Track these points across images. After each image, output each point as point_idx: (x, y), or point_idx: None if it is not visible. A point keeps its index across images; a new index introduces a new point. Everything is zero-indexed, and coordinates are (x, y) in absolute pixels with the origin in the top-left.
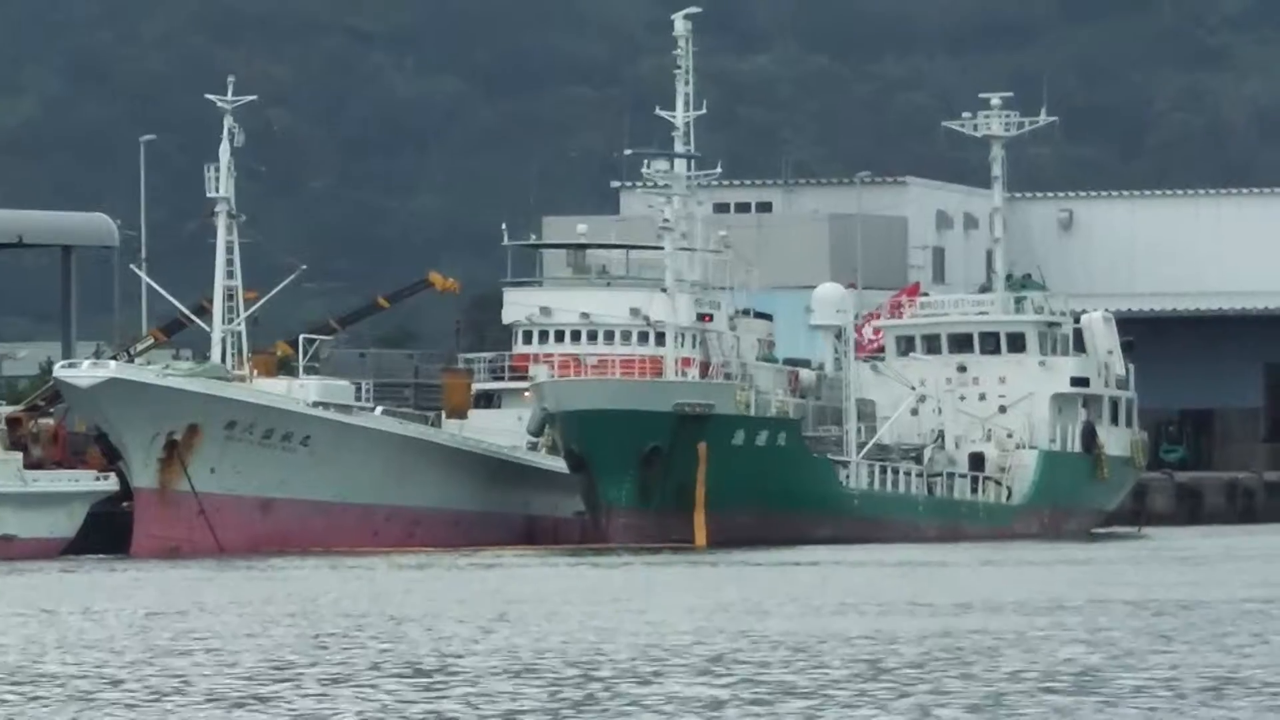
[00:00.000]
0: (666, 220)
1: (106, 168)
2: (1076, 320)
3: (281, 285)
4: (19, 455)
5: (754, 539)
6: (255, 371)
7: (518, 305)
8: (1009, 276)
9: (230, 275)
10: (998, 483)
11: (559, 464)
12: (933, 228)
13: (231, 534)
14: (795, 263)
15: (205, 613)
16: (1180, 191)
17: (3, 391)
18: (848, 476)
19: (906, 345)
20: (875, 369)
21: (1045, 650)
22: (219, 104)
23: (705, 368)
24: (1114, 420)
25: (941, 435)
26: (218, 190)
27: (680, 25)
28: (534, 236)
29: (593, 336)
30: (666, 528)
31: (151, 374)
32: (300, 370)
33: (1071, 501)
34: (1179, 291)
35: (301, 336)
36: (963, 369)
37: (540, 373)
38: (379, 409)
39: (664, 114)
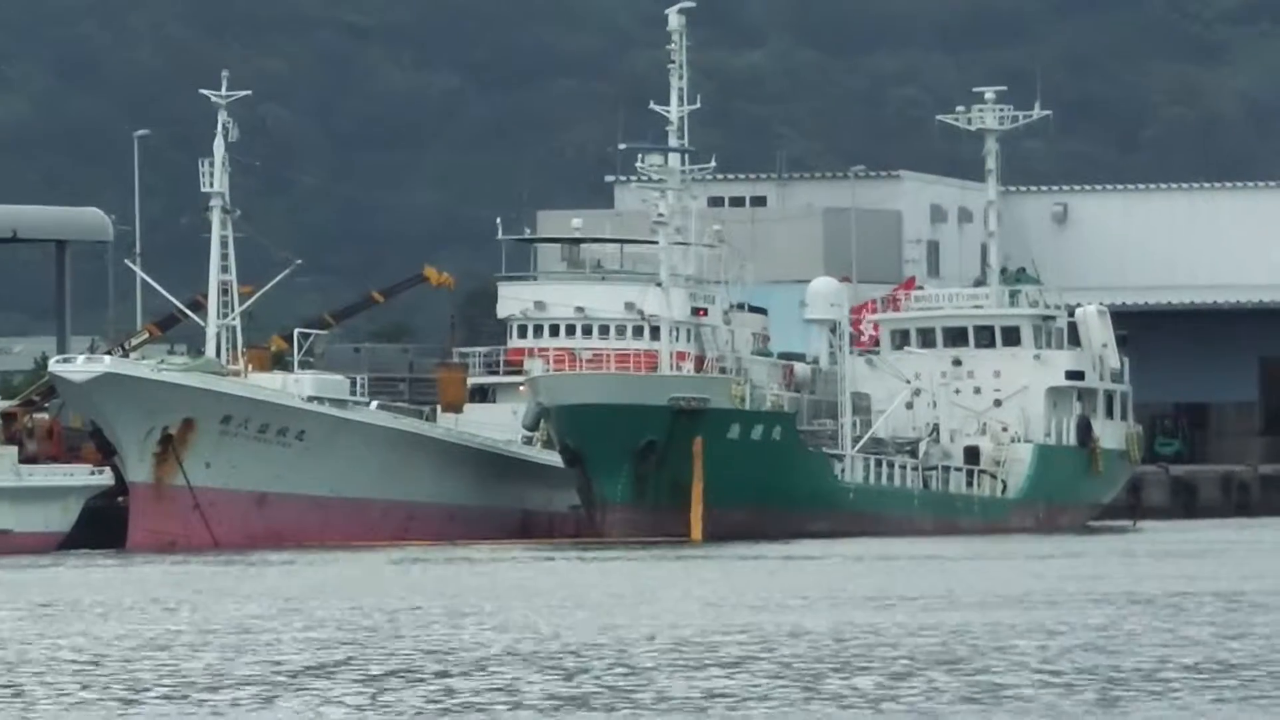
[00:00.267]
0: (661, 214)
1: (100, 164)
2: (1071, 314)
3: (276, 280)
4: (14, 450)
5: (749, 534)
6: (250, 366)
7: (512, 299)
8: (1003, 270)
9: (225, 270)
10: (993, 476)
11: (554, 458)
12: (927, 222)
13: (227, 529)
14: (790, 257)
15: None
16: (1175, 185)
17: None
18: (843, 470)
19: (901, 339)
20: (870, 363)
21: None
22: (213, 99)
23: (700, 362)
24: (1109, 414)
25: (936, 429)
26: (212, 185)
27: (674, 20)
28: (528, 231)
29: (587, 331)
30: (662, 522)
31: (146, 369)
32: (295, 365)
33: (1066, 495)
34: (1174, 285)
35: (296, 331)
36: (958, 362)
37: (535, 367)
38: (374, 404)
39: (658, 108)
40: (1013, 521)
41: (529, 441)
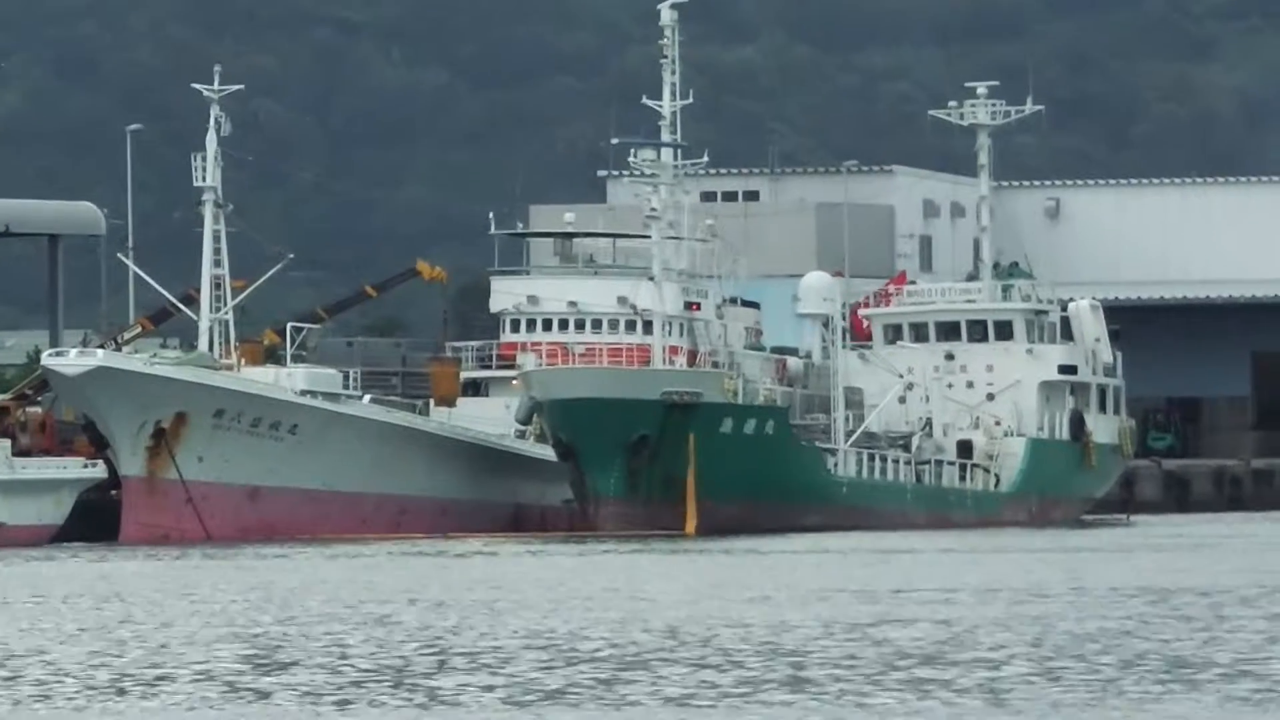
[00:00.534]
0: (654, 209)
1: (93, 158)
2: (1064, 308)
3: (269, 274)
4: (7, 443)
5: (742, 527)
6: (243, 360)
7: (505, 294)
8: (996, 265)
9: (217, 264)
10: (986, 470)
11: (547, 452)
12: (920, 216)
13: (219, 522)
14: (782, 251)
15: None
16: (1167, 180)
17: None
18: (835, 465)
19: (894, 333)
20: (863, 357)
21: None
22: (205, 94)
23: (693, 356)
24: (1102, 408)
25: (929, 423)
26: (204, 180)
27: (667, 15)
28: (521, 226)
29: (580, 325)
30: (654, 516)
31: (139, 362)
32: (288, 359)
33: (1059, 489)
34: (1166, 280)
35: (289, 325)
36: (950, 357)
37: (528, 361)
38: (367, 397)
39: (650, 103)
40: (1005, 515)
41: (522, 436)
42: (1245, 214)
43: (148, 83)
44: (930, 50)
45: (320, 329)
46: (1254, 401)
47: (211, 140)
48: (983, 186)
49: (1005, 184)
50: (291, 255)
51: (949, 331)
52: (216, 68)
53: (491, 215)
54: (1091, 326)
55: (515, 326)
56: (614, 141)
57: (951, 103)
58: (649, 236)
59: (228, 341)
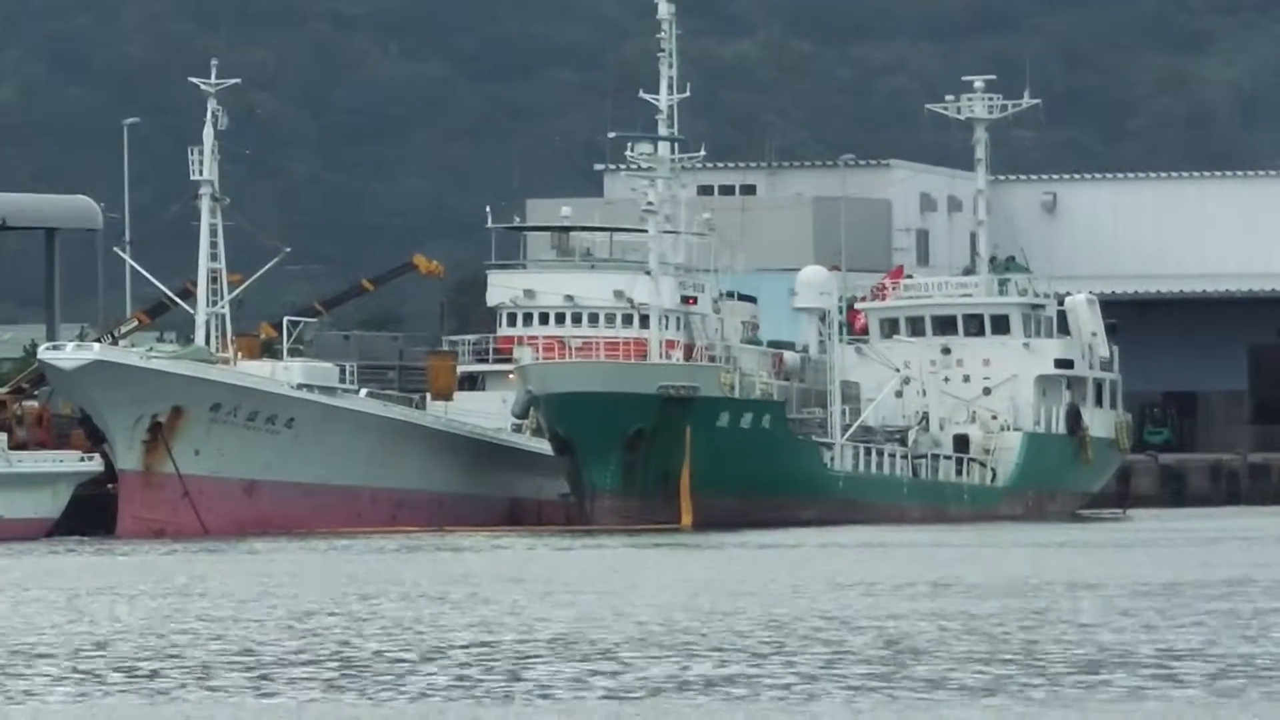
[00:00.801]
0: (650, 203)
1: (89, 152)
2: (1060, 302)
3: (266, 268)
4: (3, 437)
5: (739, 522)
6: (239, 354)
7: (502, 288)
8: (993, 259)
9: (214, 258)
10: (982, 464)
11: (543, 446)
12: (916, 210)
13: (216, 516)
14: (779, 245)
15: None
16: (1163, 174)
17: None
18: (832, 459)
19: (890, 327)
20: (859, 351)
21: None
22: (202, 87)
23: (689, 350)
24: (1098, 402)
25: (926, 417)
26: (201, 173)
27: (664, 9)
28: (518, 219)
29: (577, 319)
30: (651, 510)
31: (136, 356)
32: (285, 353)
33: (1056, 483)
34: (1163, 274)
35: (286, 319)
36: (947, 351)
37: (524, 355)
38: (363, 391)
39: (647, 97)
40: (1002, 510)
41: (518, 429)
42: (1241, 207)
43: (144, 76)
44: (927, 44)
45: (317, 323)
46: (1251, 396)
47: (208, 134)
48: (979, 180)
49: (1002, 178)
50: (288, 249)
51: (946, 326)
52: (213, 61)
53: (488, 209)
54: (1088, 321)
55: (512, 320)
56: (611, 135)
57: (948, 97)
58: (646, 230)
59: (224, 335)
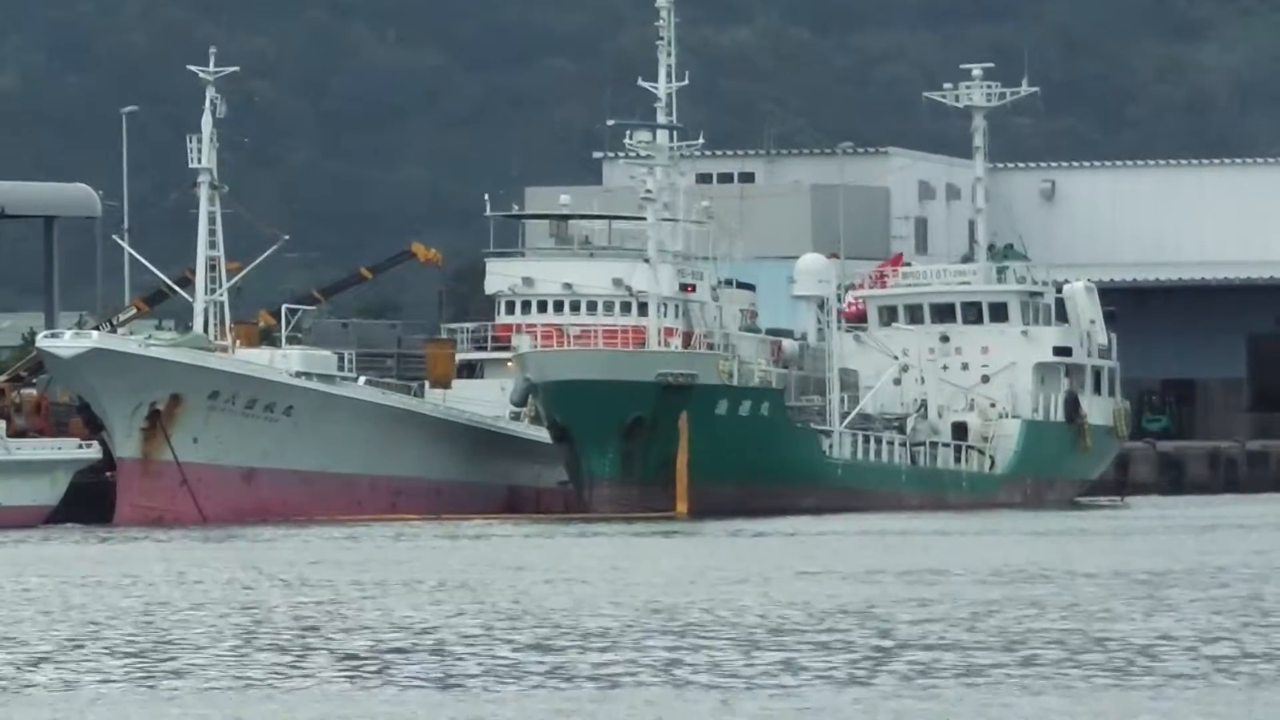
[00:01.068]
0: (649, 191)
1: (88, 140)
2: (1059, 290)
3: (264, 256)
4: (2, 424)
5: (736, 509)
6: (238, 342)
7: (500, 276)
8: (991, 247)
9: (212, 246)
10: (981, 452)
11: (542, 434)
12: (915, 198)
13: (214, 504)
14: (778, 233)
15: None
16: (1162, 162)
17: None
18: (830, 446)
19: (889, 315)
20: (858, 339)
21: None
22: (201, 75)
23: (688, 338)
24: (1096, 390)
25: (924, 405)
26: (200, 161)
27: None
28: (516, 207)
29: (575, 307)
30: (650, 499)
31: (134, 344)
32: (283, 340)
33: (1054, 471)
34: (1161, 261)
35: (284, 307)
36: (945, 339)
37: (523, 343)
38: (362, 379)
39: (646, 85)
40: (1000, 497)
41: (517, 417)
42: (1240, 195)
43: (143, 65)
44: (925, 32)
45: (315, 311)
46: (1249, 383)
47: (207, 122)
48: (978, 168)
49: (1000, 166)
50: (286, 237)
51: (944, 313)
52: (212, 49)
53: (487, 197)
54: (1086, 308)
55: (510, 308)
56: (609, 123)
57: (947, 84)
58: (644, 218)
59: (223, 323)
